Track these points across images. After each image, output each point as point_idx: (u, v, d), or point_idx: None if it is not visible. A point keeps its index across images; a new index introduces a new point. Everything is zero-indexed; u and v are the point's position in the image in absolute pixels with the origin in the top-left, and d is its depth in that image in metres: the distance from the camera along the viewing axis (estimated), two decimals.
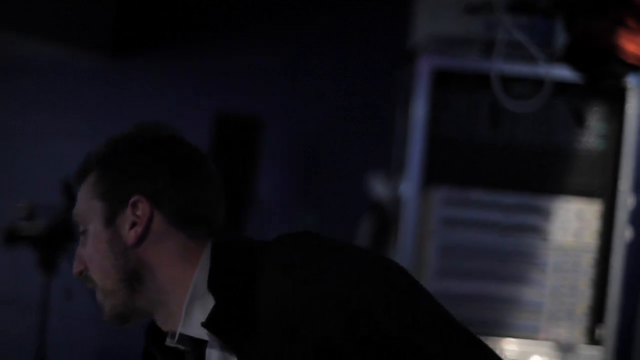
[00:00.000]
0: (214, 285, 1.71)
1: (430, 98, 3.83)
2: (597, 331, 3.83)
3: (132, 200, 1.79)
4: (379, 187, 4.51)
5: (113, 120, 5.62)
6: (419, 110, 3.82)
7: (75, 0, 4.84)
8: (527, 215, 3.85)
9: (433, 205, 3.85)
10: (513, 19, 3.87)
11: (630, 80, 3.84)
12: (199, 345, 1.76)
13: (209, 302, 1.71)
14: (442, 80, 3.86)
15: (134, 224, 1.78)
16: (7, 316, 5.70)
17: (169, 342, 1.82)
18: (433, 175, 3.86)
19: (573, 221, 3.88)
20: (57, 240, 4.97)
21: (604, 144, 3.90)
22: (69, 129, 5.69)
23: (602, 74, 3.77)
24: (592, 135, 3.90)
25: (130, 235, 1.78)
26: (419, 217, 3.84)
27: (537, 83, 3.83)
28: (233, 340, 1.68)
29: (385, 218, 4.18)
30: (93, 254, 1.81)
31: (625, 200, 3.86)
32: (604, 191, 3.89)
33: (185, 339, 1.78)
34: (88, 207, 1.83)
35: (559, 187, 3.90)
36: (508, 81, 3.85)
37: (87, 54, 5.61)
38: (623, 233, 3.86)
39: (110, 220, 1.80)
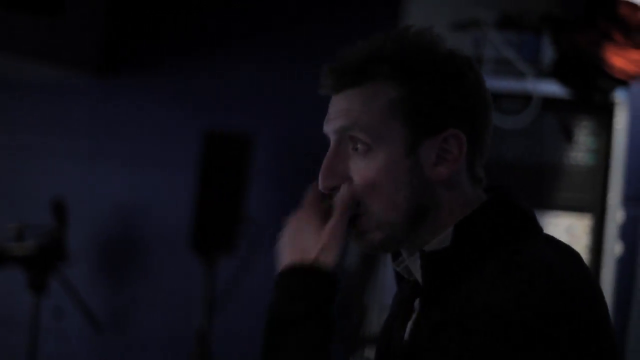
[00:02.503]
0: (461, 229, 1.55)
1: None
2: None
3: (448, 132, 1.56)
4: None
5: (103, 139, 5.62)
6: None
7: (65, 20, 4.84)
8: None
9: None
10: (500, 35, 3.88)
11: (618, 95, 3.84)
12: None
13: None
14: None
15: (439, 159, 1.57)
16: None
17: (395, 264, 1.68)
18: None
19: (563, 236, 3.88)
20: (47, 260, 4.96)
21: (593, 159, 3.90)
22: (58, 149, 5.68)
23: (590, 88, 3.79)
24: (581, 150, 3.90)
25: (437, 171, 1.56)
26: None
27: (525, 99, 3.84)
28: (431, 287, 1.56)
29: None
30: (382, 181, 1.56)
31: (614, 215, 3.86)
32: (594, 206, 3.90)
33: (408, 268, 1.65)
34: (382, 125, 1.57)
35: (549, 202, 3.90)
36: (496, 97, 3.84)
37: (76, 73, 5.60)
38: (613, 248, 3.86)
39: (413, 148, 1.56)
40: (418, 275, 1.62)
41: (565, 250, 1.58)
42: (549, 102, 3.87)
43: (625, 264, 4.01)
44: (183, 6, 5.55)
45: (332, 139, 1.63)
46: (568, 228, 3.89)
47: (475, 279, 1.49)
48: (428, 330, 1.52)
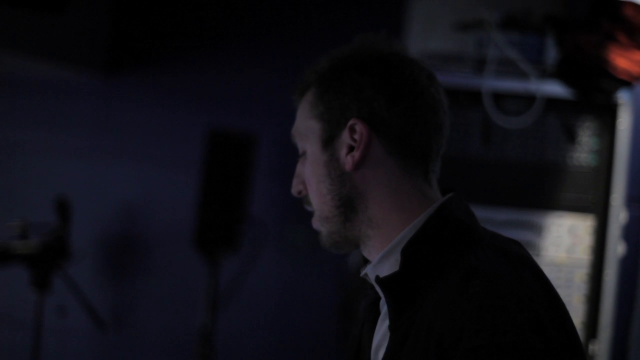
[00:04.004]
0: (408, 253, 1.64)
1: None
2: (591, 347, 3.83)
3: (349, 123, 1.70)
4: None
5: (107, 138, 5.62)
6: None
7: (69, 18, 4.85)
8: (520, 231, 3.85)
9: None
10: (504, 36, 3.88)
11: (622, 96, 3.84)
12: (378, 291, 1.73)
13: (398, 263, 1.65)
14: None
15: (351, 149, 1.71)
16: (0, 335, 5.68)
17: (361, 271, 1.78)
18: None
19: (566, 237, 3.88)
20: (50, 258, 4.96)
21: (595, 160, 3.90)
22: (62, 146, 5.68)
23: (593, 89, 3.78)
24: (583, 150, 3.90)
25: (347, 160, 1.71)
26: None
27: (528, 99, 3.84)
28: (394, 310, 1.63)
29: None
30: (310, 177, 1.75)
31: (617, 216, 3.86)
32: (597, 206, 3.90)
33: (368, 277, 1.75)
34: (305, 126, 1.76)
35: (552, 202, 3.90)
36: (499, 97, 3.85)
37: (80, 71, 5.60)
38: (616, 248, 3.86)
39: (328, 142, 1.73)
40: (376, 287, 1.70)
41: (510, 254, 1.65)
42: (552, 103, 3.87)
43: (628, 265, 4.02)
44: (188, 5, 5.56)
45: None
46: (571, 228, 3.89)
47: (435, 298, 1.57)
48: (407, 352, 1.59)
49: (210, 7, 5.53)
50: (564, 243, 3.88)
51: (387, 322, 1.67)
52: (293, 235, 5.31)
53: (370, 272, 1.72)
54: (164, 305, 5.51)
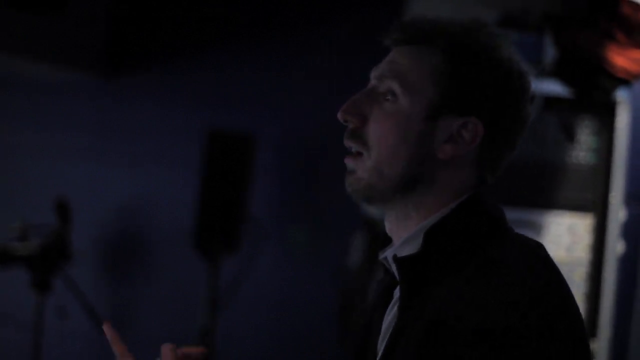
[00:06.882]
0: (431, 236, 1.59)
1: None
2: (590, 345, 3.83)
3: (470, 119, 1.61)
4: None
5: (106, 139, 5.63)
6: None
7: (69, 20, 4.85)
8: (519, 230, 3.83)
9: None
10: None
11: (620, 94, 3.85)
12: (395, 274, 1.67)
13: (419, 247, 1.60)
14: None
15: (451, 139, 1.61)
16: (1, 337, 5.69)
17: (380, 254, 1.71)
18: None
19: (565, 235, 3.88)
20: (50, 260, 4.96)
21: (594, 158, 3.90)
22: (62, 147, 5.69)
23: (591, 87, 3.78)
24: (582, 149, 3.90)
25: (444, 148, 1.61)
26: None
27: None
28: (407, 291, 1.59)
29: (378, 235, 4.18)
30: (392, 131, 1.61)
31: (616, 214, 3.87)
32: (596, 205, 3.90)
33: (388, 260, 1.68)
34: (419, 81, 1.62)
35: (551, 201, 3.90)
36: None
37: (80, 72, 5.61)
38: (615, 247, 3.86)
39: (434, 117, 1.60)
40: (394, 269, 1.65)
41: (530, 251, 1.62)
42: (550, 102, 3.87)
43: (627, 263, 4.02)
44: (187, 6, 5.56)
45: (371, 82, 1.68)
46: (570, 227, 3.89)
47: (448, 284, 1.54)
48: (410, 332, 1.56)
49: (210, 8, 5.53)
50: (563, 242, 3.88)
51: (398, 305, 1.64)
52: (293, 235, 5.31)
53: (389, 255, 1.67)
54: (164, 306, 5.51)
